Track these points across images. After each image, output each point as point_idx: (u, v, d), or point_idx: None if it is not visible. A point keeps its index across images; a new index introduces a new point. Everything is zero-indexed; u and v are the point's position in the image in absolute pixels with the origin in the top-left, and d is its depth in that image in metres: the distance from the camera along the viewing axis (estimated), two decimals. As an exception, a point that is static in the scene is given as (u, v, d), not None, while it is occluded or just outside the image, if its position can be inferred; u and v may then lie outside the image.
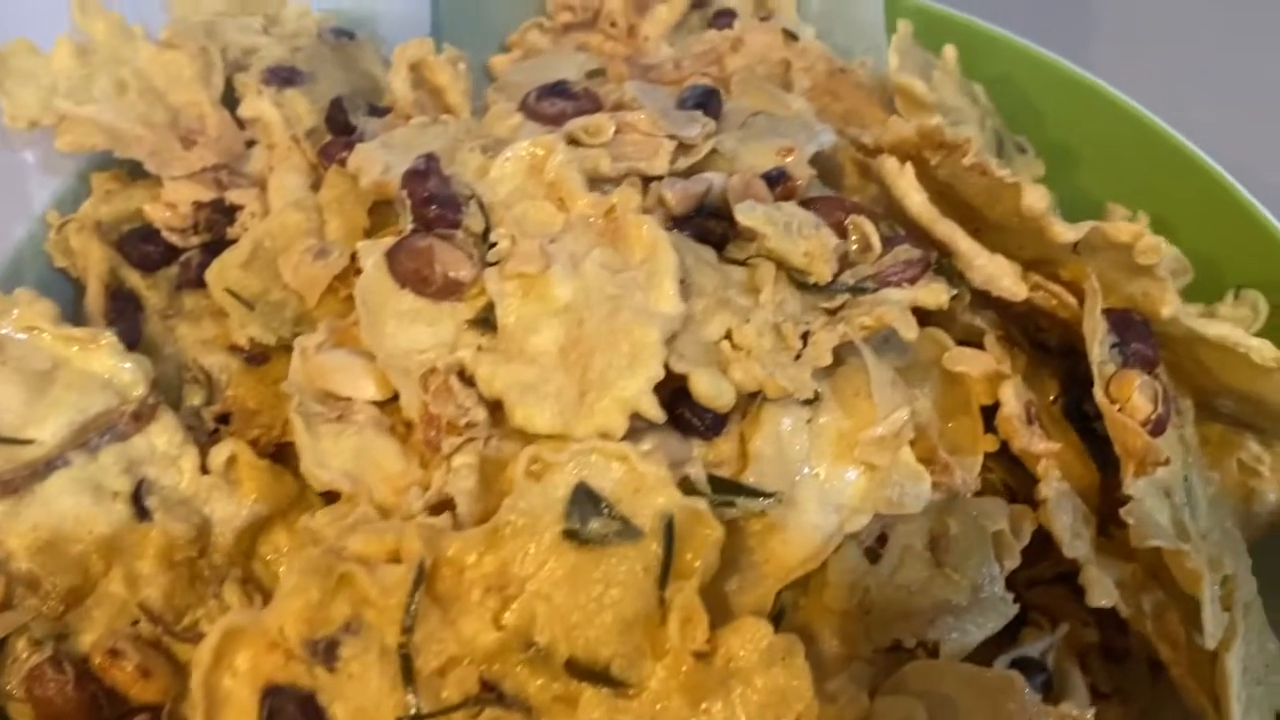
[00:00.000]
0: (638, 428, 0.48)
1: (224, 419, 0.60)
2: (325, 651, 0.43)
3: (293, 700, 0.42)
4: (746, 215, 0.52)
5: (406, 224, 0.53)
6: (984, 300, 0.62)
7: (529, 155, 0.54)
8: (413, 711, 0.42)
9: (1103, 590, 0.51)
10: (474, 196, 0.53)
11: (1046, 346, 0.65)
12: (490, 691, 0.43)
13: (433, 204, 0.52)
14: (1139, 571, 0.54)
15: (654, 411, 0.46)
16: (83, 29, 0.64)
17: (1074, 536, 0.52)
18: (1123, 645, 0.60)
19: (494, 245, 0.52)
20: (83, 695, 0.50)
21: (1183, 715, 0.60)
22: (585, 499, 0.44)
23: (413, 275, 0.51)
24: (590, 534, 0.44)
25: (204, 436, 0.59)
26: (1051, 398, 0.63)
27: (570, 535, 0.44)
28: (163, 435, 0.56)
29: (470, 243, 0.52)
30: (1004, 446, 0.58)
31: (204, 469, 0.56)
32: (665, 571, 0.44)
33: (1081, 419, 0.61)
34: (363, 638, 0.43)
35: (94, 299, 0.62)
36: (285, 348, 0.60)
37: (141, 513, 0.54)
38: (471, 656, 0.43)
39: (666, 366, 0.47)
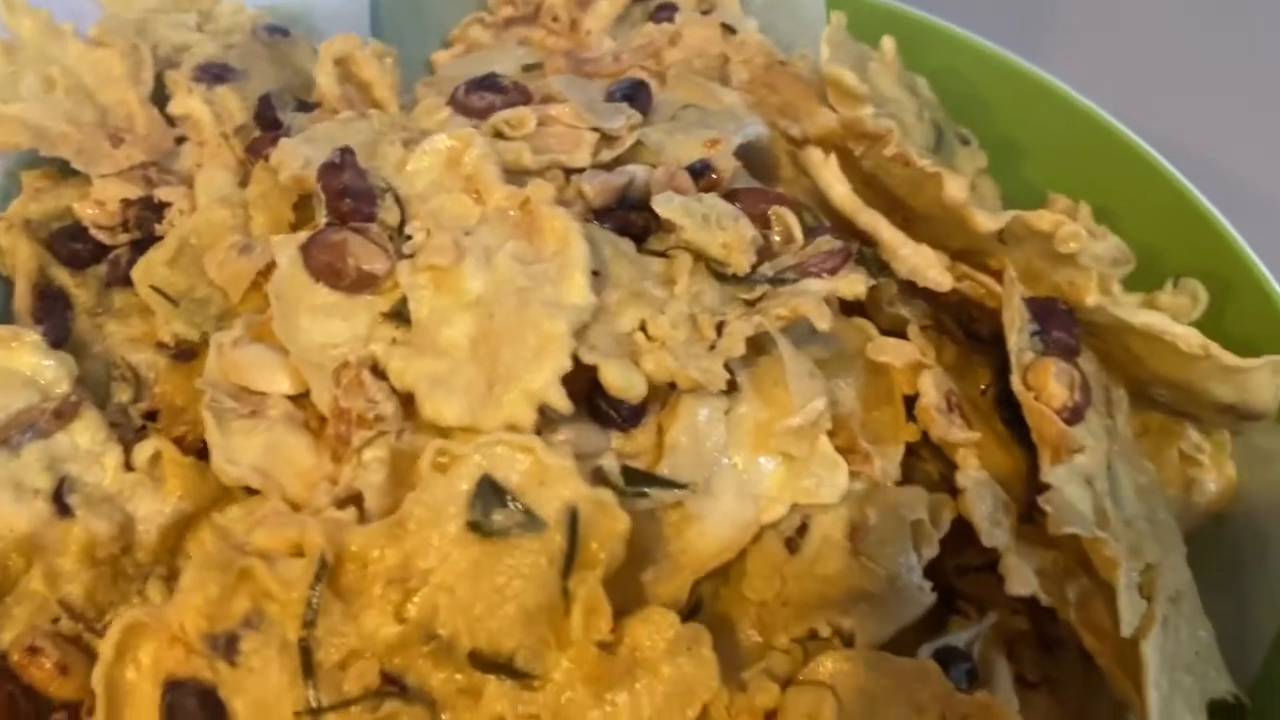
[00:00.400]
0: (554, 419, 0.48)
1: (151, 416, 0.60)
2: (226, 646, 0.43)
3: (193, 694, 0.42)
4: (664, 207, 0.52)
5: (322, 218, 0.53)
6: (916, 290, 0.62)
7: (447, 148, 0.53)
8: (313, 705, 0.42)
9: (1021, 579, 0.51)
10: (390, 190, 0.53)
11: (980, 336, 0.64)
12: (392, 684, 0.43)
13: (347, 197, 0.52)
14: (1061, 559, 0.54)
15: (561, 403, 0.46)
16: (10, 27, 0.64)
17: (993, 525, 0.52)
18: (1054, 634, 0.60)
19: (409, 239, 0.52)
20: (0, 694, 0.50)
21: (1114, 705, 0.60)
22: (489, 491, 0.44)
23: (326, 269, 0.51)
24: (494, 526, 0.44)
25: (131, 433, 0.58)
26: (983, 387, 0.63)
27: (474, 527, 0.44)
28: (85, 433, 0.56)
29: (385, 236, 0.52)
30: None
31: (128, 466, 0.56)
32: (569, 563, 0.43)
33: (1013, 408, 0.61)
34: (263, 632, 0.43)
35: (22, 297, 0.61)
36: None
37: (63, 510, 0.54)
38: (373, 649, 0.43)
39: (577, 358, 0.47)
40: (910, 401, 0.56)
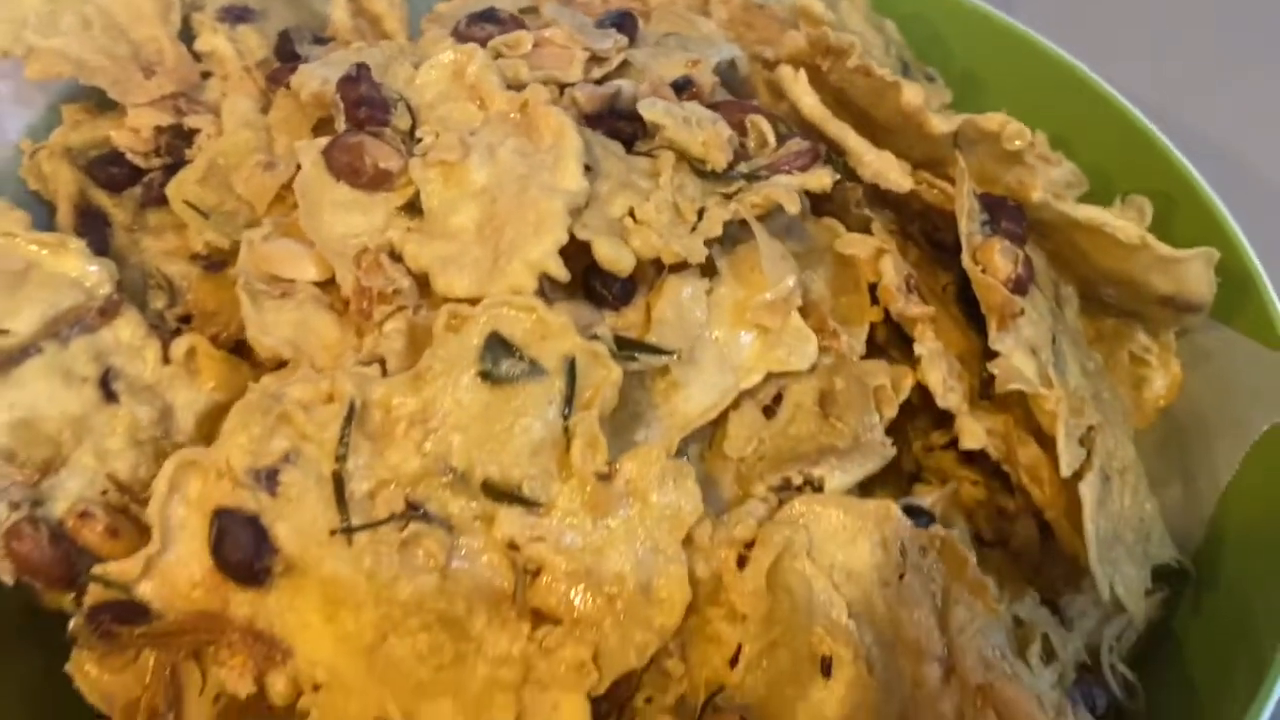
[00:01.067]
0: (553, 299, 0.54)
1: (185, 320, 0.66)
2: (267, 479, 0.48)
3: (239, 521, 0.48)
4: (649, 110, 0.58)
5: (341, 126, 0.58)
6: (883, 201, 0.68)
7: (451, 62, 0.59)
8: (345, 525, 0.47)
9: (973, 434, 0.57)
10: (402, 99, 0.59)
11: (942, 244, 0.70)
12: (415, 510, 0.48)
13: (363, 105, 0.58)
14: (1010, 421, 0.60)
15: (559, 271, 0.52)
16: (49, -29, 0.69)
17: (947, 390, 0.58)
18: (1009, 507, 0.66)
19: (420, 141, 0.57)
20: (56, 551, 0.55)
21: (1068, 571, 0.66)
22: (498, 345, 0.50)
23: (346, 168, 0.57)
24: (502, 374, 0.50)
25: (167, 336, 0.64)
26: (944, 286, 0.68)
27: (484, 376, 0.50)
28: (127, 329, 0.61)
29: (398, 139, 0.58)
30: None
31: (166, 360, 0.62)
32: (568, 404, 0.49)
33: (971, 304, 0.67)
34: (300, 467, 0.49)
35: (64, 217, 0.67)
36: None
37: (109, 396, 0.59)
38: (398, 481, 0.49)
39: (572, 236, 0.53)
40: (874, 290, 0.62)
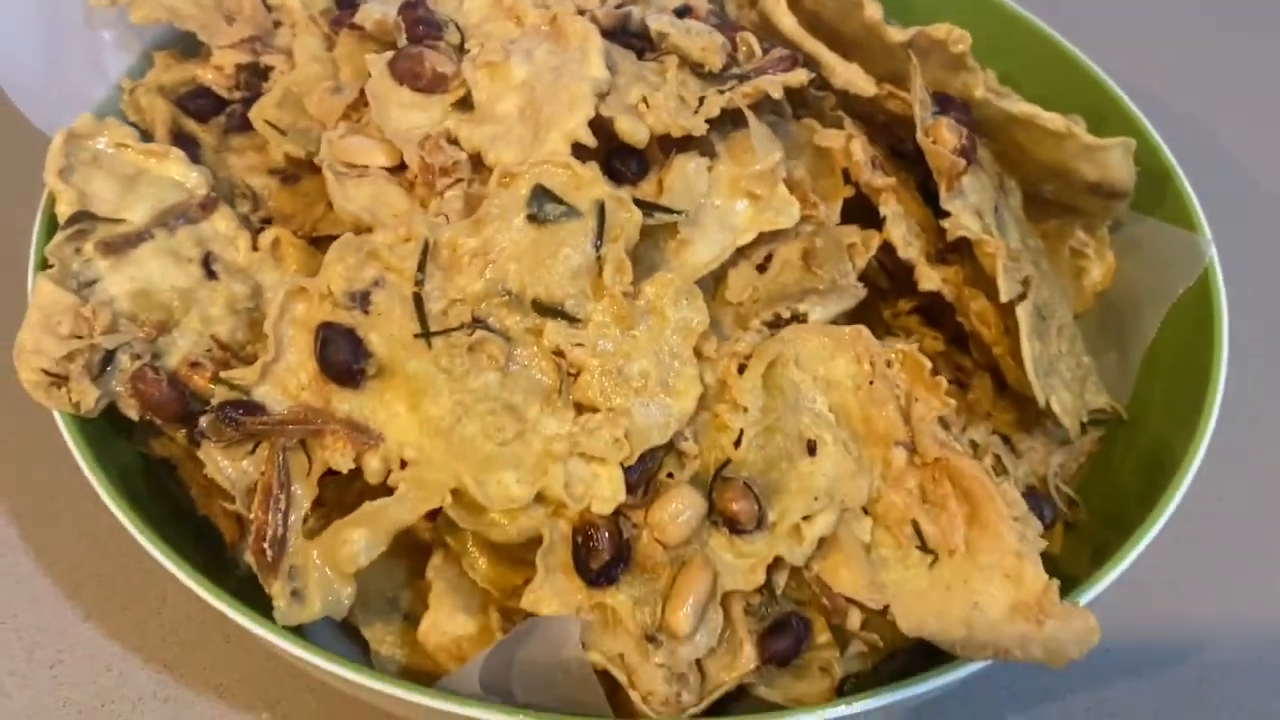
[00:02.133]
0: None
1: (267, 222, 0.77)
2: (361, 299, 0.60)
3: (339, 332, 0.60)
4: (656, 21, 0.71)
5: (402, 42, 0.71)
6: (853, 115, 0.80)
7: (493, -10, 0.72)
8: (426, 331, 0.59)
9: (929, 278, 0.69)
10: (452, 20, 0.71)
11: (906, 155, 0.82)
12: (479, 322, 0.60)
13: (420, 24, 0.70)
14: (960, 274, 0.72)
15: (589, 138, 0.64)
16: (144, -61, 0.82)
17: (907, 244, 0.70)
18: (968, 363, 0.78)
19: (469, 52, 0.70)
20: (172, 392, 0.66)
21: (1017, 418, 0.78)
22: (542, 194, 0.62)
23: (408, 74, 0.69)
24: (546, 216, 0.61)
25: (254, 230, 0.76)
26: (906, 183, 0.81)
27: (531, 219, 0.62)
28: (222, 221, 0.73)
29: (451, 50, 0.70)
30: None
31: (255, 248, 0.73)
32: (600, 238, 0.61)
33: (930, 199, 0.79)
34: (387, 290, 0.60)
35: (161, 140, 0.79)
36: (313, 168, 0.77)
37: (210, 274, 0.71)
38: (465, 299, 0.60)
39: (597, 117, 0.65)
40: (847, 175, 0.75)
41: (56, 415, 0.66)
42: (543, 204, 0.62)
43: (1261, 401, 0.93)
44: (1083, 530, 0.75)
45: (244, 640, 0.77)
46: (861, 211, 0.75)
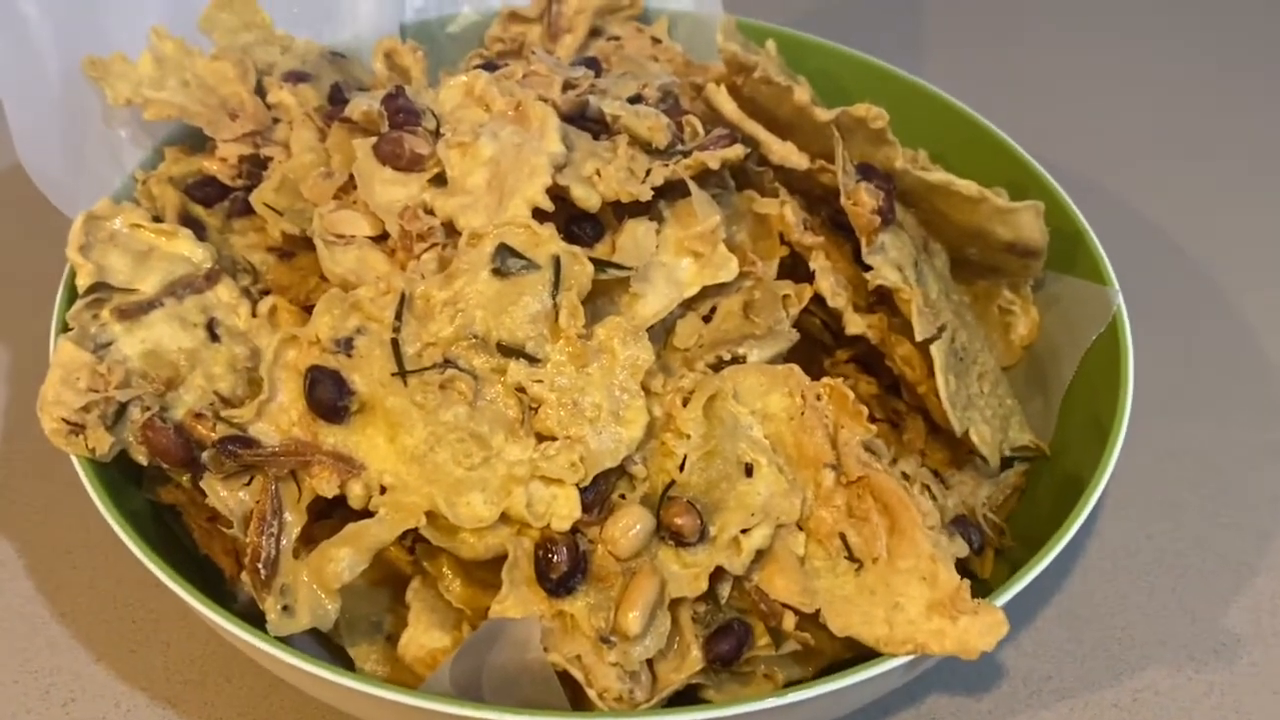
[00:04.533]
0: (543, 238, 0.75)
1: (265, 293, 0.86)
2: (345, 345, 0.68)
3: (326, 374, 0.67)
4: (609, 106, 0.80)
5: (384, 128, 0.80)
6: (791, 189, 0.89)
7: (464, 83, 0.81)
8: (401, 370, 0.67)
9: (854, 324, 0.77)
10: (429, 109, 0.81)
11: (843, 226, 0.91)
12: (450, 363, 0.68)
13: (400, 112, 0.80)
14: (885, 322, 0.80)
15: (546, 204, 0.72)
16: (158, 48, 0.92)
17: (834, 295, 0.78)
18: (901, 407, 0.86)
19: (443, 135, 0.79)
20: (178, 439, 0.74)
21: (948, 457, 0.85)
22: (505, 251, 0.70)
23: (390, 155, 0.78)
24: (508, 269, 0.70)
25: (254, 300, 0.84)
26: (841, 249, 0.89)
27: (495, 272, 0.70)
28: (225, 291, 0.81)
29: (427, 134, 0.79)
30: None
31: (254, 314, 0.82)
32: (556, 287, 0.70)
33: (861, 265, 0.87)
34: (368, 337, 0.68)
35: (170, 223, 0.88)
36: (307, 244, 0.86)
37: (214, 338, 0.79)
38: (437, 343, 0.68)
39: (555, 182, 0.74)
40: (783, 239, 0.83)
41: (77, 466, 0.73)
42: (505, 259, 0.70)
43: (1175, 440, 1.01)
44: (1009, 555, 0.81)
45: (243, 678, 0.83)
46: (798, 271, 0.83)
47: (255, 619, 0.68)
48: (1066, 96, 1.46)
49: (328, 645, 0.76)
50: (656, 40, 1.03)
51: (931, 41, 1.55)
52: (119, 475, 0.76)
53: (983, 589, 0.68)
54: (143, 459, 0.75)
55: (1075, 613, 0.91)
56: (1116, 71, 1.51)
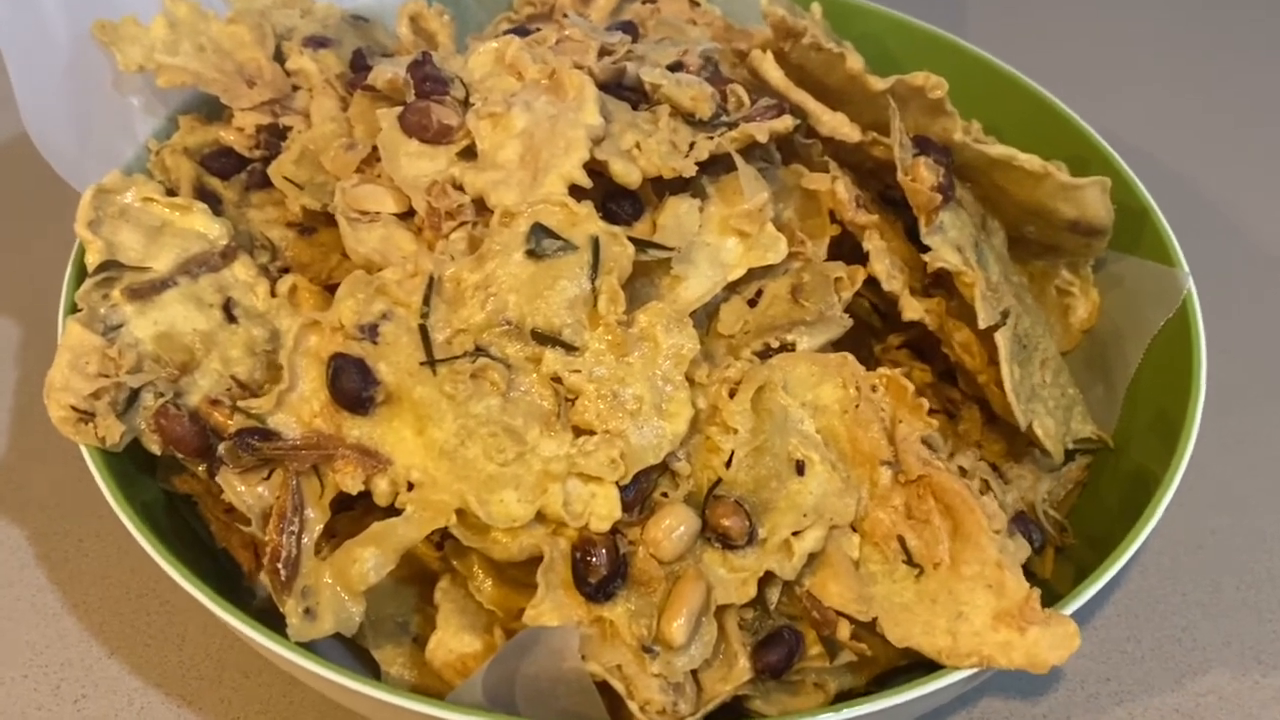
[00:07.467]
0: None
1: (284, 271, 0.82)
2: (370, 331, 0.64)
3: (350, 362, 0.63)
4: (649, 74, 0.75)
5: (410, 98, 0.76)
6: (841, 163, 0.84)
7: (494, 49, 0.76)
8: (430, 360, 0.63)
9: (912, 308, 0.72)
10: (457, 77, 0.76)
11: (894, 200, 0.86)
12: (481, 351, 0.64)
13: (427, 80, 0.75)
14: (943, 305, 0.75)
15: (584, 179, 0.68)
16: (171, 11, 0.88)
17: (890, 277, 0.73)
18: (956, 395, 0.81)
19: (473, 105, 0.74)
20: (194, 428, 0.70)
21: (1005, 448, 0.81)
22: (540, 230, 0.66)
23: (416, 126, 0.74)
24: (543, 250, 0.65)
25: (272, 278, 0.80)
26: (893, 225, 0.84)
27: (530, 254, 0.65)
28: (242, 270, 0.77)
29: (456, 104, 0.74)
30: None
31: (273, 294, 0.77)
32: (595, 270, 0.65)
33: (917, 241, 0.83)
34: (395, 323, 0.64)
35: (185, 196, 0.84)
36: (328, 220, 0.81)
37: (230, 319, 0.75)
38: (468, 330, 0.64)
39: (592, 161, 0.69)
40: (833, 216, 0.78)
41: (86, 456, 0.70)
42: (540, 240, 0.65)
43: (1243, 429, 0.96)
44: (1072, 554, 0.77)
45: (261, 675, 0.80)
46: (848, 251, 0.78)
47: (275, 617, 0.64)
48: (1122, 62, 1.40)
49: (350, 645, 0.72)
50: (694, 3, 0.98)
51: (974, 2, 1.48)
52: (131, 464, 0.72)
53: (1044, 590, 0.63)
54: (156, 448, 0.71)
55: (1134, 611, 0.86)
56: (1178, 32, 1.44)
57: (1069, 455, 0.79)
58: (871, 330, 0.84)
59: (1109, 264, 0.88)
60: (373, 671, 0.70)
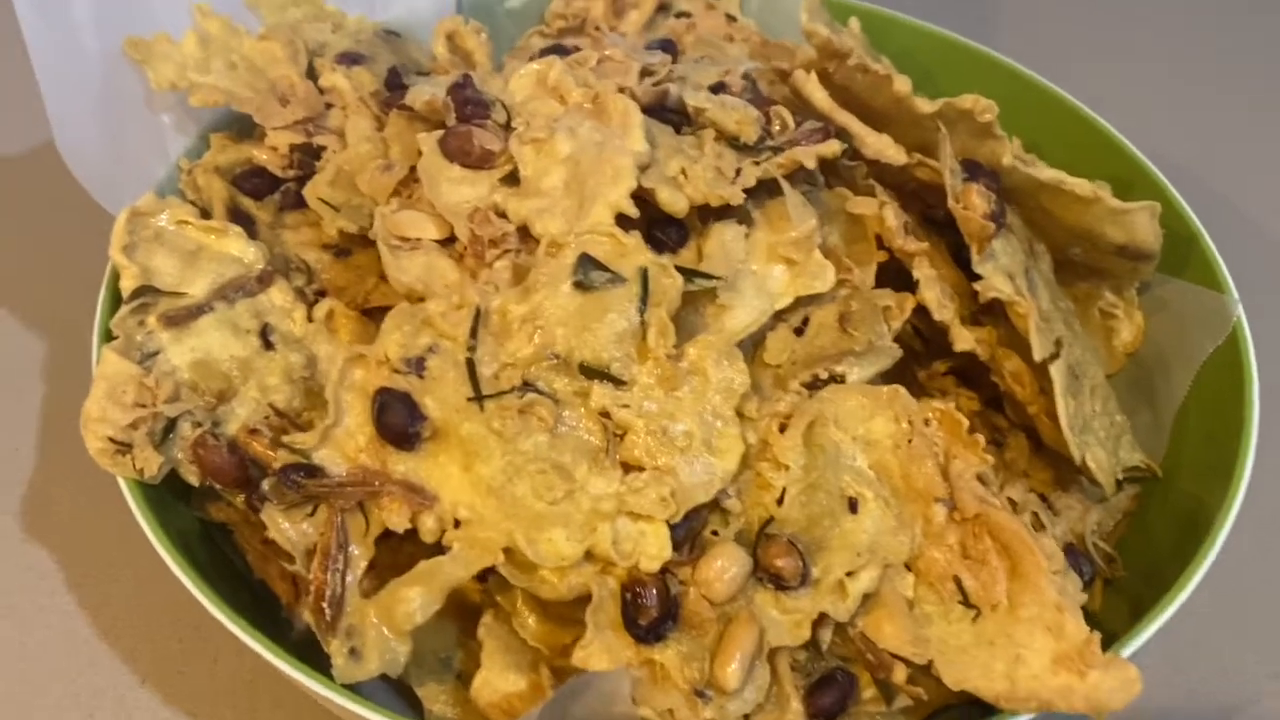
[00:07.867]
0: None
1: (321, 294, 0.80)
2: (416, 365, 0.63)
3: (396, 397, 0.62)
4: (692, 97, 0.74)
5: (451, 122, 0.74)
6: (885, 185, 0.82)
7: (536, 71, 0.75)
8: (477, 396, 0.62)
9: (963, 339, 0.71)
10: (498, 100, 0.74)
11: (937, 221, 0.85)
12: (529, 386, 0.62)
13: (469, 104, 0.73)
14: (994, 334, 0.74)
15: (631, 209, 0.66)
16: (203, 27, 0.86)
17: (941, 306, 0.72)
18: (1003, 423, 0.80)
19: (515, 129, 0.73)
20: (232, 458, 0.69)
21: (1053, 477, 0.79)
22: (588, 262, 0.64)
23: (457, 151, 0.72)
24: (591, 282, 0.64)
25: (309, 302, 0.79)
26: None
27: (578, 285, 0.64)
28: (279, 294, 0.76)
29: (498, 128, 0.73)
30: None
31: (310, 319, 0.76)
32: (644, 303, 0.64)
33: (964, 265, 0.81)
34: (441, 356, 0.63)
35: (218, 217, 0.82)
36: (364, 242, 0.80)
37: (268, 345, 0.74)
38: (515, 364, 0.63)
39: (640, 184, 0.68)
40: (880, 241, 0.77)
41: (121, 482, 0.69)
42: (588, 271, 0.64)
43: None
44: (1121, 587, 0.75)
45: (295, 704, 0.79)
46: (895, 276, 0.77)
47: (315, 649, 0.63)
48: (1164, 81, 1.37)
49: (392, 681, 0.70)
50: (731, 18, 0.96)
51: (1008, 14, 1.47)
52: (166, 491, 0.71)
53: (1093, 623, 0.62)
54: (194, 479, 0.70)
55: (1182, 639, 0.85)
56: (1223, 50, 1.42)
57: (1117, 485, 0.78)
58: (914, 354, 0.83)
59: (1154, 286, 0.86)
60: (411, 704, 0.69)
